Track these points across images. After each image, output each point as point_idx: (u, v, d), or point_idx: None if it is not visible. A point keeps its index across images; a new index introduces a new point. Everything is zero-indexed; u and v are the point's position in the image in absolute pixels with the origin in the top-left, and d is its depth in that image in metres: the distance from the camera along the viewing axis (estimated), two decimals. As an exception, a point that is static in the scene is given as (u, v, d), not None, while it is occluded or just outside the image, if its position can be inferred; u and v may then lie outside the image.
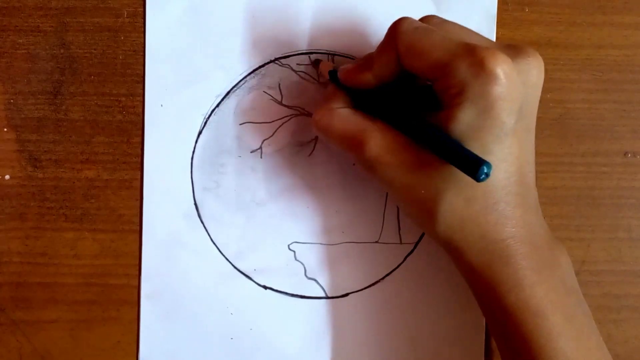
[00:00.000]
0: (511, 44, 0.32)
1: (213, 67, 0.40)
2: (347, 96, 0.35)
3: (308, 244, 0.40)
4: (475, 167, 0.27)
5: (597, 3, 0.40)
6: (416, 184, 0.31)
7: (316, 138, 0.40)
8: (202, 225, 0.40)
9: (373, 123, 0.33)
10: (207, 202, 0.40)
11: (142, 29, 0.40)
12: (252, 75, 0.40)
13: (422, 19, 0.34)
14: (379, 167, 0.32)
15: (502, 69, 0.28)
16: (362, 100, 0.35)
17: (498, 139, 0.30)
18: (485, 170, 0.27)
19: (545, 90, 0.40)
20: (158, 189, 0.39)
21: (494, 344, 0.40)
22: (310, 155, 0.40)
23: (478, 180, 0.28)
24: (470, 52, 0.29)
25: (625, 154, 0.41)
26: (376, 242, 0.40)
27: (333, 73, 0.36)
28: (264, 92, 0.40)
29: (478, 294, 0.33)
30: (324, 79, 0.38)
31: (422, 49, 0.30)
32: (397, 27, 0.32)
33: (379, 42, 0.34)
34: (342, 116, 0.34)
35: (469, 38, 0.32)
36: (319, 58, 0.39)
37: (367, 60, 0.34)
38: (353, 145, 0.32)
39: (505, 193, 0.31)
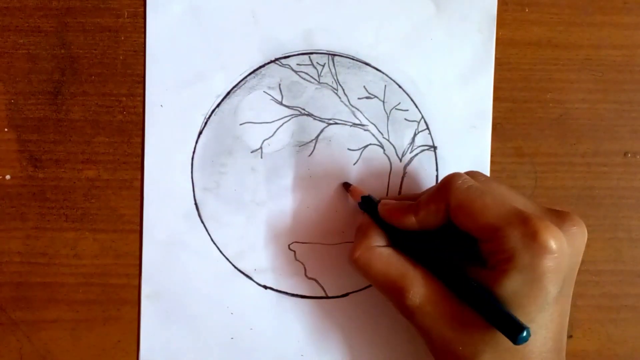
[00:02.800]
0: (555, 210, 0.32)
1: (213, 67, 0.40)
2: (383, 231, 0.35)
3: (308, 244, 0.40)
4: (516, 332, 0.28)
5: (597, 3, 0.40)
6: (455, 339, 0.31)
7: (316, 138, 0.40)
8: (202, 225, 0.40)
9: (414, 268, 0.33)
10: (207, 202, 0.40)
11: (143, 29, 0.40)
12: (252, 75, 0.40)
13: (468, 174, 0.34)
14: (419, 315, 0.32)
15: (555, 242, 0.29)
16: (402, 240, 0.34)
17: (541, 308, 0.30)
18: (524, 335, 0.28)
19: (545, 90, 0.40)
20: (158, 189, 0.40)
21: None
22: (310, 155, 0.40)
23: (516, 343, 0.28)
24: (523, 221, 0.29)
25: (625, 154, 0.41)
26: (376, 242, 0.40)
27: (367, 200, 0.36)
28: (264, 92, 0.40)
29: None
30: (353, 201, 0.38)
31: (475, 209, 0.31)
32: (451, 183, 0.32)
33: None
34: (383, 257, 0.34)
35: (517, 202, 0.32)
36: (349, 182, 0.39)
37: (413, 204, 0.34)
38: (394, 290, 0.33)
39: (540, 359, 0.31)
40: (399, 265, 0.33)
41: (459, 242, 0.33)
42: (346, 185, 0.39)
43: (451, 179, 0.32)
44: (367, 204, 0.36)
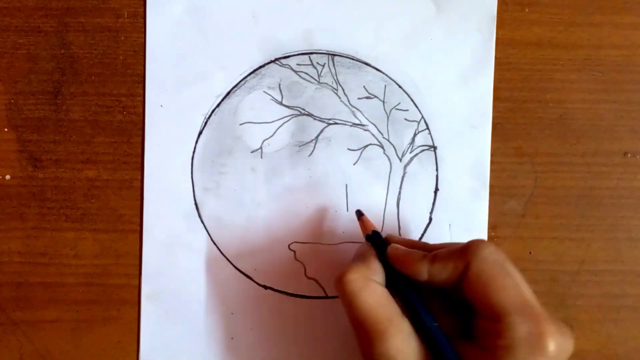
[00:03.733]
0: (554, 317, 0.31)
1: (213, 67, 0.40)
2: (381, 267, 0.34)
3: (308, 244, 0.40)
4: None
5: (597, 3, 0.40)
6: None
7: (316, 138, 0.40)
8: (202, 225, 0.40)
9: (402, 318, 0.31)
10: (207, 202, 0.40)
11: (143, 29, 0.40)
12: (252, 75, 0.40)
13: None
14: None
15: (556, 348, 0.29)
16: (398, 286, 0.33)
17: None
18: None
19: (545, 90, 0.40)
20: (158, 189, 0.40)
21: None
22: (310, 155, 0.40)
23: None
24: (535, 318, 0.29)
25: (625, 154, 0.41)
26: (376, 242, 0.40)
27: (375, 235, 0.36)
28: (264, 92, 0.40)
29: None
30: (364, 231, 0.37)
31: (493, 286, 0.30)
32: (478, 250, 0.31)
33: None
34: (377, 293, 0.32)
35: (528, 293, 0.31)
36: (361, 210, 0.39)
37: (429, 255, 0.33)
38: (374, 331, 0.30)
39: None
40: (389, 308, 0.31)
41: (454, 306, 0.32)
42: (359, 213, 0.38)
43: (480, 245, 0.31)
44: (376, 239, 0.36)
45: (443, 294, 0.32)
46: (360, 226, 0.38)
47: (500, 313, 0.30)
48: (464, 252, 0.32)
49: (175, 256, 0.39)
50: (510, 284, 0.30)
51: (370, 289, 0.32)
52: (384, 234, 0.37)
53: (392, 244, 0.34)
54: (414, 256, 0.33)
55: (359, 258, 0.35)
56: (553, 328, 0.29)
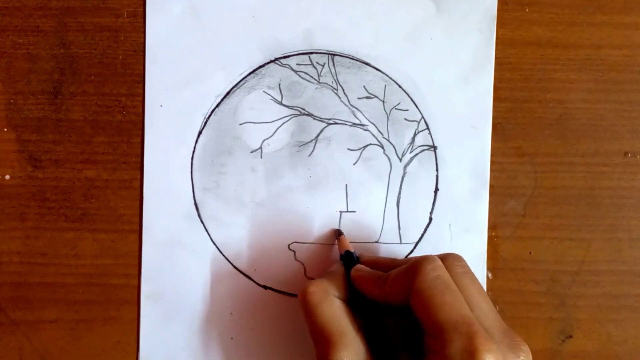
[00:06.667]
0: (511, 332, 0.31)
1: (213, 67, 0.40)
2: (346, 284, 0.35)
3: (308, 244, 0.40)
4: None
5: (597, 3, 0.40)
6: None
7: (316, 138, 0.40)
8: (202, 225, 0.40)
9: (356, 333, 0.32)
10: (207, 202, 0.40)
11: (142, 29, 0.40)
12: (252, 75, 0.40)
13: (444, 258, 0.33)
14: None
15: None
16: (359, 303, 0.35)
17: None
18: None
19: (545, 90, 0.40)
20: (158, 189, 0.40)
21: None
22: (310, 155, 0.40)
23: None
24: (469, 334, 0.29)
25: (625, 154, 0.41)
26: (376, 242, 0.40)
27: (348, 255, 0.37)
28: (263, 92, 0.40)
29: None
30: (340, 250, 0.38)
31: (431, 303, 0.30)
32: (420, 267, 0.32)
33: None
34: (333, 307, 0.33)
35: (480, 308, 0.31)
36: (342, 231, 0.39)
37: (382, 277, 0.34)
38: (326, 343, 0.32)
39: None
40: (343, 322, 0.33)
41: (411, 323, 0.32)
42: (338, 233, 0.39)
43: (421, 262, 0.32)
44: (347, 259, 0.37)
45: (406, 312, 0.33)
46: (338, 245, 0.39)
47: (439, 330, 0.30)
48: (409, 271, 0.32)
49: (175, 256, 0.39)
50: (449, 301, 0.30)
51: (328, 302, 0.34)
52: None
53: (356, 266, 0.36)
54: (371, 279, 0.34)
55: (327, 275, 0.36)
56: (488, 346, 0.28)
